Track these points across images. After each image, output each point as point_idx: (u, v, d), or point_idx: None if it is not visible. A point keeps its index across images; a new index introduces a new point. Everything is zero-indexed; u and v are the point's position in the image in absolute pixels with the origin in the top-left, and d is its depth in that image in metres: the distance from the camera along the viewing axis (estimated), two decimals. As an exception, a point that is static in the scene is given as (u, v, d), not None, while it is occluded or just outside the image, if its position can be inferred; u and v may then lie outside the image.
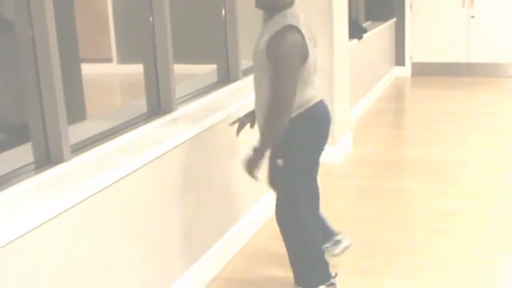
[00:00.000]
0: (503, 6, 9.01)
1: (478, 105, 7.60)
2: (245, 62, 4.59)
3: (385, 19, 9.05)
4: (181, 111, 3.72)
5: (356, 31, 6.99)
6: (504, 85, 8.71)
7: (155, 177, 3.07)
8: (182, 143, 3.31)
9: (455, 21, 9.27)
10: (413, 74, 9.60)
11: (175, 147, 3.23)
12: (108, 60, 11.16)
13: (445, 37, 9.34)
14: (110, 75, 11.02)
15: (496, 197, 4.66)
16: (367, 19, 8.84)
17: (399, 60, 9.62)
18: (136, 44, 3.75)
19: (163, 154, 3.12)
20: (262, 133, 3.07)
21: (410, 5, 9.43)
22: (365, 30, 7.38)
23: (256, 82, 3.11)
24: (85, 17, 11.30)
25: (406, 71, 9.63)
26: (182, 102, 3.86)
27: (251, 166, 3.07)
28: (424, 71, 9.50)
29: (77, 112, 4.65)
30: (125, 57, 10.73)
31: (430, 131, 6.55)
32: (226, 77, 4.50)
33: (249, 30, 4.93)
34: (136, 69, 4.24)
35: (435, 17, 9.35)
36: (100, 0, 10.99)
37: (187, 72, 4.59)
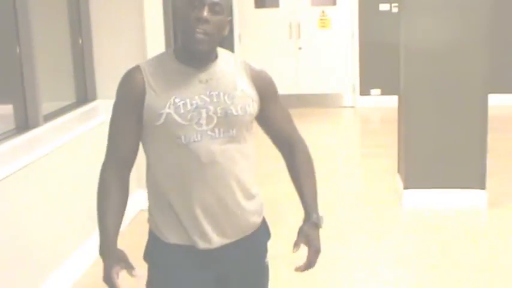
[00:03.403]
0: (328, 38, 9.17)
1: (307, 138, 7.53)
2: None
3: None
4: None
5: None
6: (332, 116, 8.82)
7: None
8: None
9: (283, 53, 9.30)
10: (246, 107, 9.48)
11: None
12: None
13: (275, 69, 9.29)
14: None
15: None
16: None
17: (231, 93, 9.47)
18: None
19: None
20: (315, 198, 2.16)
21: (239, 37, 9.33)
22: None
23: (228, 156, 1.99)
24: None
25: (238, 104, 9.49)
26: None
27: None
28: (256, 104, 9.40)
29: None
30: None
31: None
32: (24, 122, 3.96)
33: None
34: None
35: (264, 49, 9.31)
36: None
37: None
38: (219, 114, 1.95)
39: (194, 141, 1.94)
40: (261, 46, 9.31)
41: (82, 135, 4.12)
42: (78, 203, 3.94)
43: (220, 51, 2.05)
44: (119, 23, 4.90)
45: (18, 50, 3.88)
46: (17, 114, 3.94)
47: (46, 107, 4.19)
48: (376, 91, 9.13)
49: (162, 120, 1.92)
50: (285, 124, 2.18)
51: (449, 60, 4.74)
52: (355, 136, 7.94)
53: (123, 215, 2.00)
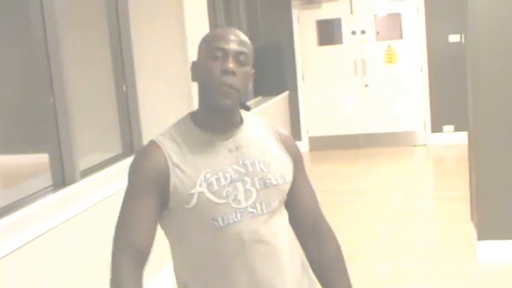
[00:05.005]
0: (395, 73, 8.73)
1: (377, 181, 7.12)
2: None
3: (277, 93, 8.60)
4: None
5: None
6: (402, 155, 8.32)
7: None
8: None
9: (349, 91, 8.91)
10: (312, 149, 9.11)
11: None
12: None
13: (341, 108, 8.95)
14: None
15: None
16: (256, 95, 8.36)
17: (295, 134, 9.13)
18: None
19: None
20: None
21: (303, 76, 9.04)
22: (247, 108, 6.84)
23: (273, 234, 1.68)
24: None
25: (303, 146, 9.13)
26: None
27: None
28: (322, 145, 9.03)
29: None
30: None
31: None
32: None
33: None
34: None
35: (329, 88, 8.97)
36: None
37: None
38: (257, 187, 1.65)
39: (234, 222, 1.61)
40: (325, 84, 8.98)
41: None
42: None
43: (244, 113, 1.78)
44: (163, 66, 4.69)
45: (52, 100, 3.69)
46: (53, 169, 3.75)
47: (92, 159, 4.09)
48: (449, 127, 8.58)
49: (194, 201, 1.60)
50: (312, 204, 1.83)
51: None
52: (427, 177, 7.41)
53: None
